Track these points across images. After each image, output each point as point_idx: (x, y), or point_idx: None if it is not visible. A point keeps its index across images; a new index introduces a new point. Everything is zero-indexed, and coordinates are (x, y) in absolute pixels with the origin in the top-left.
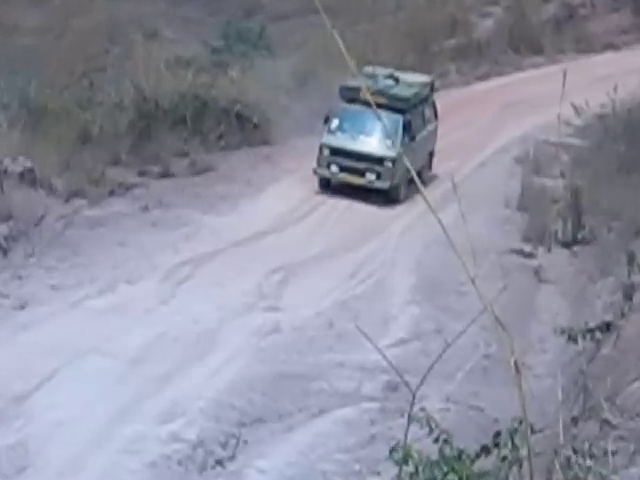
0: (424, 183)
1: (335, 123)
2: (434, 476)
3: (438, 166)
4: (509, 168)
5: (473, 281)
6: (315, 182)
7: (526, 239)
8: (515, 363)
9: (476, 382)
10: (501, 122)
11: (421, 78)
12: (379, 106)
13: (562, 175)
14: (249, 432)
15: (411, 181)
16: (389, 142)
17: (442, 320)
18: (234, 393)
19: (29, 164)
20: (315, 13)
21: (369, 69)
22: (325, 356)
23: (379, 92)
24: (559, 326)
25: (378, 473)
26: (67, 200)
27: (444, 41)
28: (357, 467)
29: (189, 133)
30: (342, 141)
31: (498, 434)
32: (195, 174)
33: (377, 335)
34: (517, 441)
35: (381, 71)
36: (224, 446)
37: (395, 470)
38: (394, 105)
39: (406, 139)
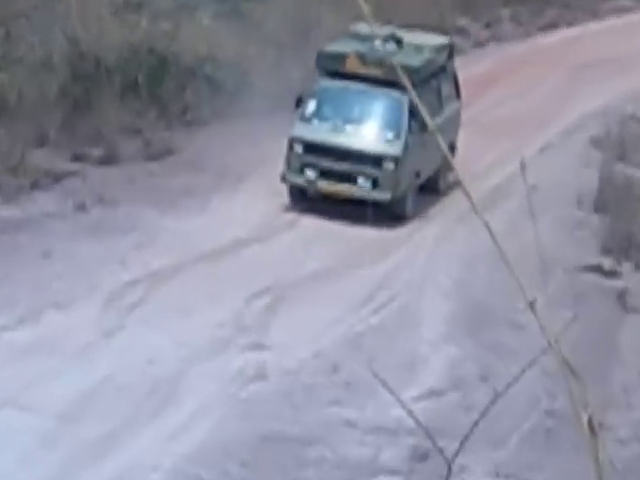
0: (440, 191)
1: (311, 107)
2: None
3: (483, 149)
4: (583, 153)
5: (532, 307)
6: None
7: (606, 251)
8: (590, 422)
9: (536, 448)
10: (572, 89)
11: (435, 39)
12: (375, 81)
13: None
14: None
15: (422, 189)
16: (390, 134)
17: (489, 362)
18: (203, 461)
19: None
20: None
21: (360, 26)
22: (328, 412)
23: (375, 60)
24: None
25: None
26: None
27: None
28: None
29: (142, 102)
30: (321, 133)
31: None
32: (150, 159)
33: (400, 383)
34: None
35: (377, 30)
36: None
37: None
38: (396, 79)
39: (414, 129)
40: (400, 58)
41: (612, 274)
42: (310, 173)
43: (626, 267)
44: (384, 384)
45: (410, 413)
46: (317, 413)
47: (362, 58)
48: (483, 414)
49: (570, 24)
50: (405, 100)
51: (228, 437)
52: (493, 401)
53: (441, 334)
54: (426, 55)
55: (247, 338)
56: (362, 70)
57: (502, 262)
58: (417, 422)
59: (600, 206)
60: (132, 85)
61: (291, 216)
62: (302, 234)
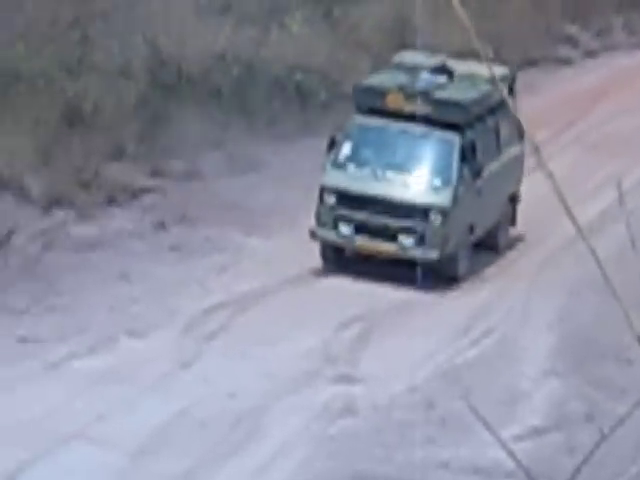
0: (499, 249)
1: (346, 150)
2: None
3: (591, 170)
4: None
5: None
6: None
7: None
8: None
9: None
10: None
11: (493, 71)
12: (420, 119)
13: None
14: None
15: (478, 246)
16: (438, 181)
17: (596, 400)
18: None
19: None
20: None
21: (406, 56)
22: (422, 451)
23: (421, 95)
24: None
25: None
26: (45, 210)
27: None
28: None
29: (226, 114)
30: (358, 181)
31: None
32: (234, 174)
33: (499, 421)
34: None
35: (425, 60)
36: None
37: None
38: (445, 116)
39: (467, 175)
40: (450, 92)
41: None
42: (345, 229)
43: None
44: (483, 421)
45: (510, 454)
46: (410, 453)
47: (406, 93)
48: (587, 457)
49: None
50: (456, 142)
51: (314, 478)
52: (598, 443)
53: (544, 369)
54: (481, 89)
55: (335, 370)
56: (405, 107)
57: (610, 292)
58: (518, 464)
59: None
60: (215, 95)
61: None
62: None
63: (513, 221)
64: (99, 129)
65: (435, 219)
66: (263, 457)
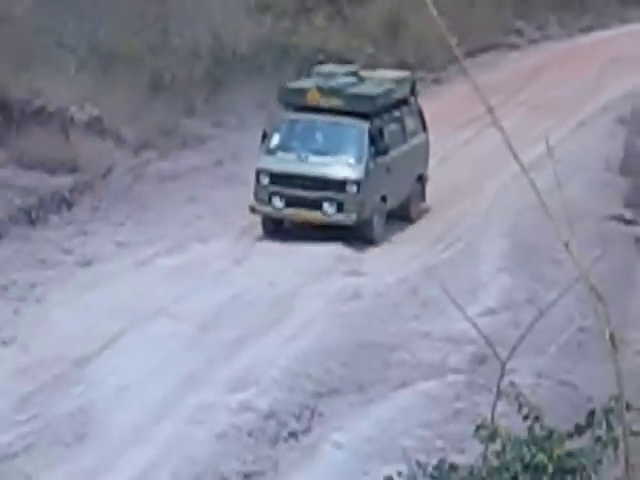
0: (411, 219)
1: (275, 140)
2: (522, 455)
3: (532, 124)
4: (611, 128)
5: (567, 246)
6: None
7: (628, 205)
8: (611, 336)
9: (570, 357)
10: (604, 78)
11: (397, 74)
12: (335, 112)
13: None
14: (325, 404)
15: (391, 215)
16: (351, 160)
17: (535, 289)
18: (310, 362)
19: (97, 112)
20: None
21: (324, 68)
22: (409, 325)
23: (334, 92)
24: None
25: (462, 451)
26: (136, 152)
27: None
28: (440, 444)
29: (267, 83)
30: (286, 163)
31: (592, 413)
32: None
33: (465, 304)
34: (612, 420)
35: (340, 69)
36: (298, 418)
37: (480, 448)
38: (355, 107)
39: (375, 154)
40: (359, 89)
41: (632, 222)
42: (277, 202)
43: None
44: (454, 302)
45: (475, 325)
46: (400, 326)
47: (322, 90)
48: (529, 329)
49: (603, 27)
50: (365, 127)
51: (330, 343)
52: (537, 319)
53: (497, 266)
54: (385, 86)
55: (346, 266)
56: (322, 102)
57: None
58: (480, 332)
59: (624, 170)
60: (260, 70)
61: None
62: None
63: (423, 197)
64: (176, 94)
65: (351, 189)
66: (293, 329)
